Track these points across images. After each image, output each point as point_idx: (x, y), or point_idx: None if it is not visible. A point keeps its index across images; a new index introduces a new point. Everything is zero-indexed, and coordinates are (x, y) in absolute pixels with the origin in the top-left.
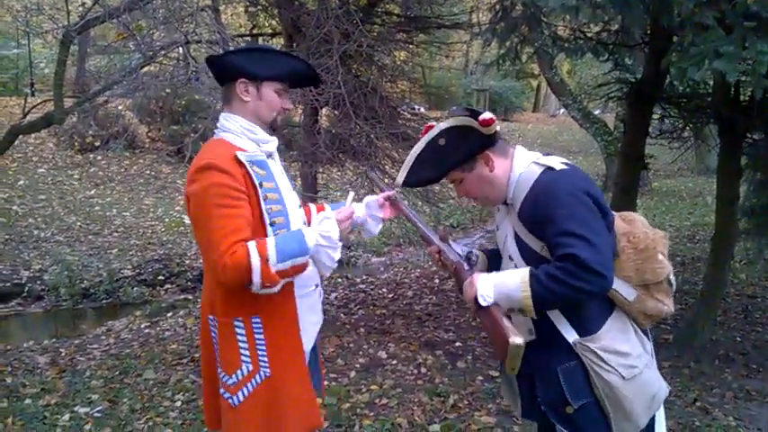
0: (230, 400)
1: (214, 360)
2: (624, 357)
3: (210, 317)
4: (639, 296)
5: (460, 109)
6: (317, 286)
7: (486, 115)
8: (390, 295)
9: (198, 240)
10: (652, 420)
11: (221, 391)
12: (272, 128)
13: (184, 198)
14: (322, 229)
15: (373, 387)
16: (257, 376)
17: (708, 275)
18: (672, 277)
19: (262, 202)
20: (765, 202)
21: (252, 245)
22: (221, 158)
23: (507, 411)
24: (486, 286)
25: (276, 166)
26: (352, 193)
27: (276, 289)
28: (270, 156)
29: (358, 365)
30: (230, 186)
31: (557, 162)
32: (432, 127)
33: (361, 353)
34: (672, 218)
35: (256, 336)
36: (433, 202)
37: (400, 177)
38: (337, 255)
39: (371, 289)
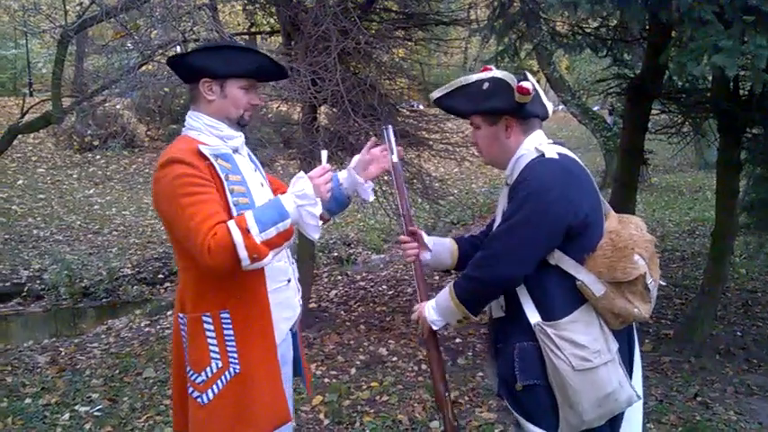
0: (199, 399)
1: (184, 361)
2: (579, 348)
3: (180, 315)
4: (608, 293)
5: (524, 72)
6: (289, 281)
7: (526, 84)
8: (390, 292)
9: (173, 236)
10: (615, 423)
11: (189, 390)
12: (241, 125)
13: (152, 198)
14: (296, 189)
15: (374, 384)
16: (227, 373)
17: (708, 270)
18: (650, 282)
19: (228, 194)
20: (765, 196)
21: (231, 222)
22: (183, 152)
23: (508, 408)
24: (430, 312)
25: (244, 161)
26: (325, 152)
27: (267, 260)
28: (236, 151)
29: (358, 362)
30: (195, 176)
31: (553, 150)
32: (490, 69)
33: (361, 350)
34: (672, 213)
35: (225, 331)
36: (433, 198)
37: (437, 93)
38: (317, 210)
39: (371, 286)
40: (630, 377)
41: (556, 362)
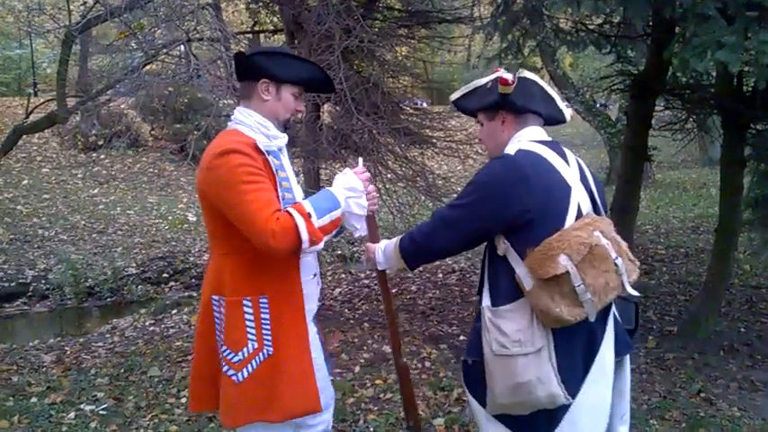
0: (234, 377)
1: (212, 342)
2: (501, 335)
3: (215, 297)
4: (535, 288)
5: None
6: (315, 275)
7: (505, 74)
8: (394, 290)
9: (220, 222)
10: (552, 422)
11: (224, 368)
12: (285, 127)
13: (200, 186)
14: (344, 182)
15: (378, 382)
16: (260, 354)
17: (712, 267)
18: (578, 285)
19: (279, 188)
20: None
21: (290, 209)
22: (240, 144)
23: None
24: (378, 254)
25: (285, 160)
26: (360, 159)
27: (320, 246)
28: (280, 150)
29: (362, 360)
30: (254, 166)
31: (514, 148)
32: (498, 70)
33: (365, 348)
34: (676, 209)
35: (262, 315)
36: (436, 196)
37: (455, 95)
38: (364, 202)
39: (375, 284)
40: (582, 379)
41: (483, 343)
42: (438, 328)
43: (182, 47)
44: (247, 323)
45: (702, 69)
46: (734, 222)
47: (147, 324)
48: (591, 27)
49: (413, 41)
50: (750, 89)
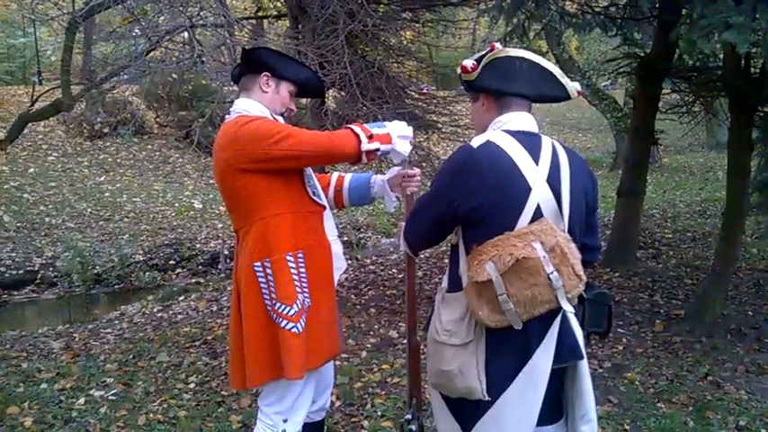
0: (294, 329)
1: (261, 309)
2: (438, 321)
3: (256, 264)
4: (468, 286)
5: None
6: (337, 236)
7: (465, 62)
8: (400, 276)
9: (252, 180)
10: (474, 415)
11: (282, 323)
12: None
13: (225, 162)
14: (399, 124)
15: (384, 366)
16: (305, 305)
17: (719, 250)
18: (500, 295)
19: None
20: None
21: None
22: (256, 115)
23: None
24: (401, 235)
25: None
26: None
27: (373, 146)
28: None
29: (369, 345)
30: (278, 122)
31: (484, 138)
32: (493, 46)
33: (372, 333)
34: (683, 193)
35: (301, 268)
36: None
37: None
38: (408, 145)
39: (381, 270)
40: (511, 380)
41: (431, 321)
42: None
43: (185, 33)
44: (294, 276)
45: (709, 51)
46: (741, 206)
47: (154, 310)
48: (597, 9)
49: (417, 25)
50: (758, 71)
